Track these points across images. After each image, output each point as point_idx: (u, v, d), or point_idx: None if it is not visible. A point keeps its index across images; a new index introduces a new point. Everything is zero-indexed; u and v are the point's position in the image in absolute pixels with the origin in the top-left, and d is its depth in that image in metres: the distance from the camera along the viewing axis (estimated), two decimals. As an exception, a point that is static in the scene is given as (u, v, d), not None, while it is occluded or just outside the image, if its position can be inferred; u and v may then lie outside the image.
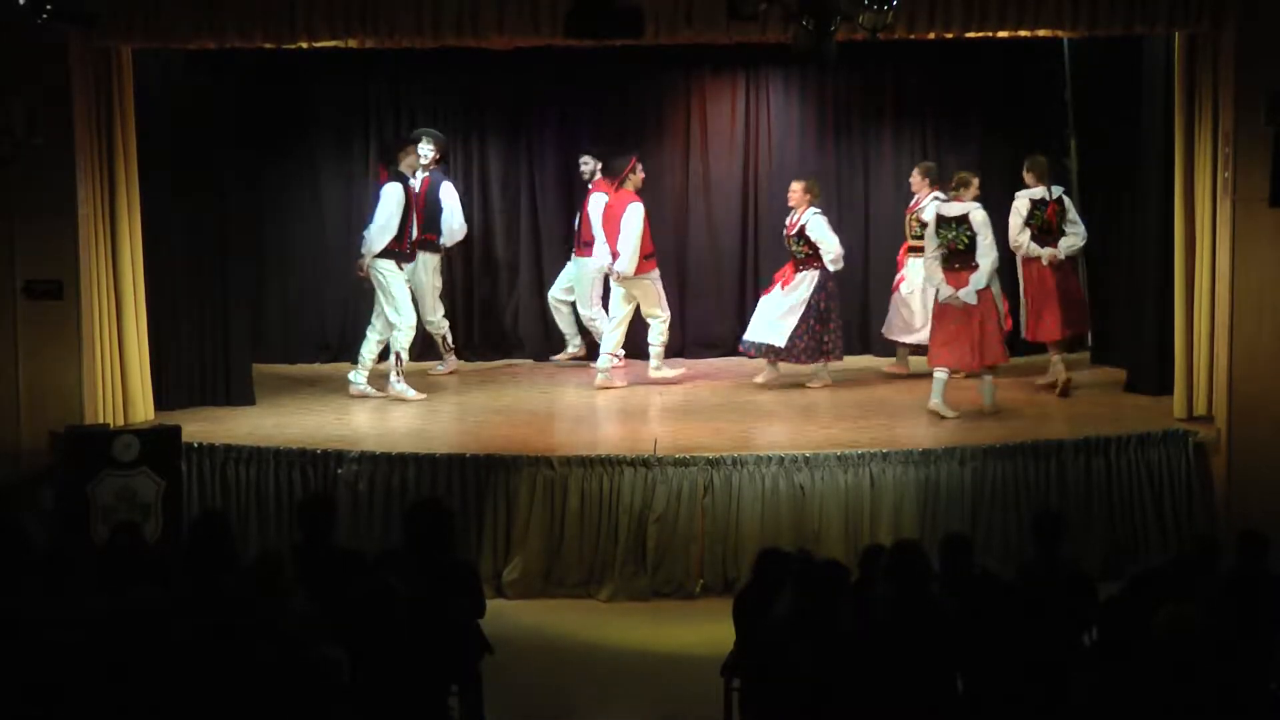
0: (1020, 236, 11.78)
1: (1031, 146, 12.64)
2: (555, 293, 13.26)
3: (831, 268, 11.98)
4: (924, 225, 11.83)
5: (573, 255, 13.11)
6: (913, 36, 10.23)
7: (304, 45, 10.40)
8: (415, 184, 12.29)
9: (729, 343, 13.26)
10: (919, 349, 12.22)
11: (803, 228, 12.00)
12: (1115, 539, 9.96)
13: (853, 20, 8.08)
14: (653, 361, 12.46)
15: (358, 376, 11.98)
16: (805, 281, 12.00)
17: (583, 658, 8.88)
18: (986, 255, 10.88)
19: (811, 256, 11.99)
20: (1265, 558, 6.98)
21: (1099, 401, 11.51)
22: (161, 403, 11.08)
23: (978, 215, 10.97)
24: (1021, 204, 11.79)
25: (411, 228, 11.93)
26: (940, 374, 10.96)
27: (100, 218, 10.48)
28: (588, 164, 12.98)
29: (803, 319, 11.95)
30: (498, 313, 13.79)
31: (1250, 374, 10.17)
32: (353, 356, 12.33)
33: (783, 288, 12.13)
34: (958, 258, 10.95)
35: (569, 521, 9.80)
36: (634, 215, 12.10)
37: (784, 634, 6.06)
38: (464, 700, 6.94)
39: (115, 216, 10.58)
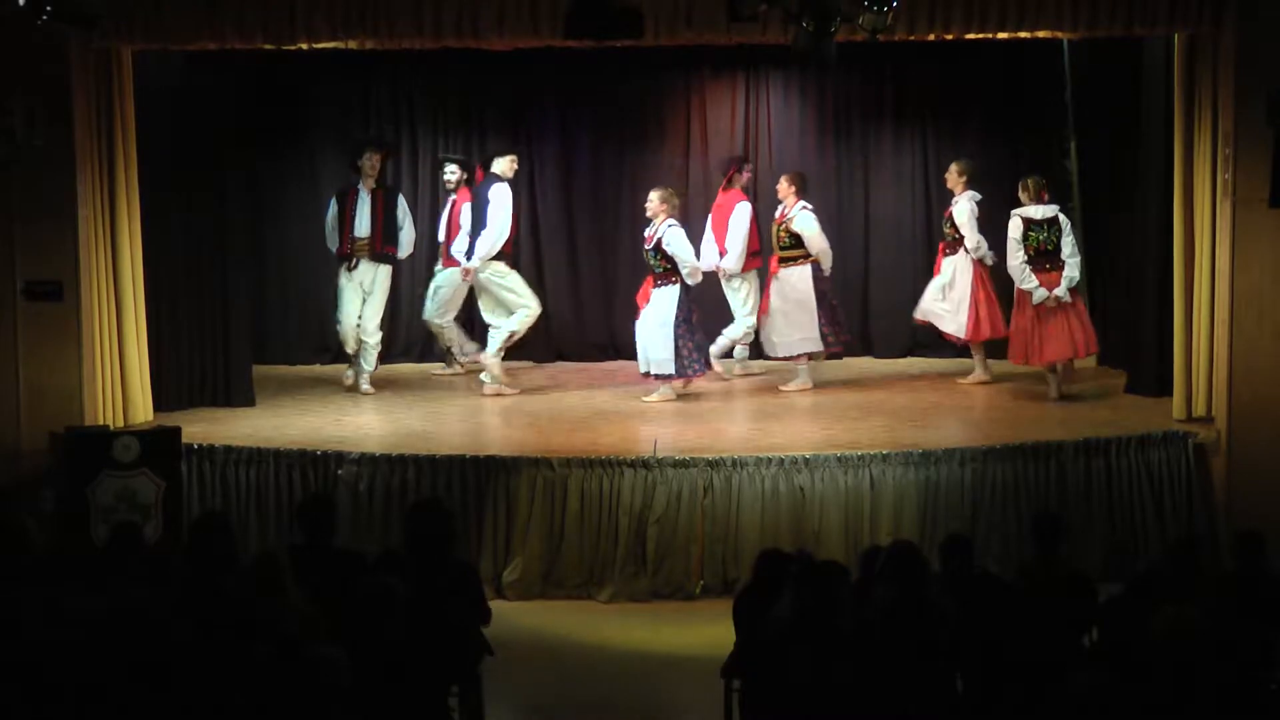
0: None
1: (1031, 146, 12.60)
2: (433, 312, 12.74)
3: (690, 281, 11.40)
4: (794, 236, 11.98)
5: (439, 266, 12.69)
6: (912, 38, 10.24)
7: (304, 45, 10.40)
8: (367, 196, 12.18)
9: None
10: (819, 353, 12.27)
11: (659, 240, 11.42)
12: (1115, 540, 9.94)
13: (853, 21, 8.08)
14: (737, 354, 12.70)
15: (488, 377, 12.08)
16: (666, 298, 11.40)
17: (583, 659, 8.88)
18: (1076, 254, 11.36)
19: (670, 271, 11.38)
20: (1264, 558, 6.98)
21: (1099, 402, 11.51)
22: (161, 404, 11.08)
23: (1064, 217, 11.44)
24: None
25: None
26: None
27: (100, 218, 10.47)
28: (454, 173, 12.62)
29: (673, 337, 11.37)
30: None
31: (1250, 374, 10.17)
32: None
33: (647, 306, 11.58)
34: (1047, 258, 11.31)
35: (569, 523, 9.79)
36: (741, 214, 12.28)
37: (784, 635, 6.05)
38: (464, 701, 6.93)
39: (115, 217, 10.58)
